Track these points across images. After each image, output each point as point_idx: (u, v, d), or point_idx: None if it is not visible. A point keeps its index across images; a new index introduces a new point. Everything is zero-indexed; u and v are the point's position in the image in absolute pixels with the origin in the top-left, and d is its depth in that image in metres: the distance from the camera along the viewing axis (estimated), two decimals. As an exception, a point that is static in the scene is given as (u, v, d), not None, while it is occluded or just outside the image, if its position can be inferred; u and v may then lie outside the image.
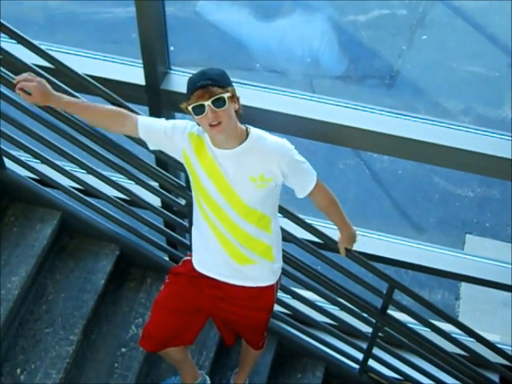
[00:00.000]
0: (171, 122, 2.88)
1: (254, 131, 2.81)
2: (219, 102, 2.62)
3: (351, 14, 8.59)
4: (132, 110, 3.01)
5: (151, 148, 2.95)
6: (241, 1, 8.56)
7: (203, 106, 2.62)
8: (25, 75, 2.81)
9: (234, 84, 3.59)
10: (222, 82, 2.65)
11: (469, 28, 8.52)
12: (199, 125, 2.77)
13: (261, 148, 2.78)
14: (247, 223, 2.88)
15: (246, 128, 2.81)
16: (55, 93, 2.84)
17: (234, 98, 2.69)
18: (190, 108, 2.66)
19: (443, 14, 8.66)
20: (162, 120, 2.90)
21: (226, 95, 2.64)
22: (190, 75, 2.70)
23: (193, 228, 3.08)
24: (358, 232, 3.23)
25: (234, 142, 2.76)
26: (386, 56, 8.26)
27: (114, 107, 2.95)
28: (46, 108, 3.01)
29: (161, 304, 3.23)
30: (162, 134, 2.85)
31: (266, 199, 2.87)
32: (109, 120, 2.91)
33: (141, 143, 3.00)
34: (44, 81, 2.82)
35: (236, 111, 2.72)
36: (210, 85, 2.61)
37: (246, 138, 2.78)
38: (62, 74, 3.11)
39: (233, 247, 2.94)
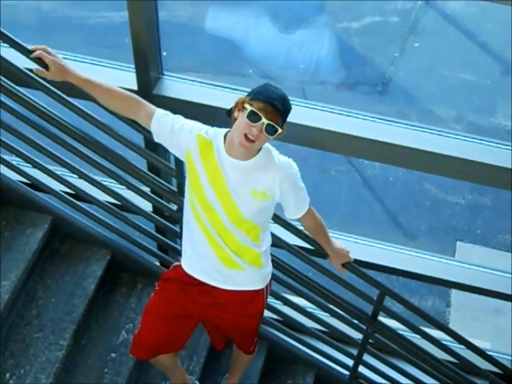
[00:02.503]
0: (181, 121, 2.85)
1: (266, 146, 2.81)
2: (272, 130, 2.63)
3: (344, 20, 8.61)
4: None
5: (155, 140, 2.93)
6: (236, 7, 8.57)
7: (260, 119, 2.61)
8: (42, 47, 2.79)
9: (226, 90, 3.61)
10: (285, 118, 2.68)
11: (461, 36, 8.56)
12: (208, 128, 2.76)
13: (268, 164, 2.79)
14: (238, 231, 2.89)
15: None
16: (72, 68, 2.80)
17: (279, 135, 2.69)
18: (249, 108, 2.62)
19: (435, 22, 8.70)
20: (175, 117, 2.87)
21: (280, 131, 2.65)
22: (270, 84, 2.69)
23: (183, 230, 3.08)
24: (348, 238, 3.23)
25: (247, 156, 2.76)
26: (378, 63, 8.28)
27: (130, 94, 2.90)
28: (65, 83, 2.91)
29: (151, 311, 3.22)
30: (168, 130, 2.84)
31: (262, 213, 2.89)
32: (123, 106, 2.88)
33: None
34: (60, 56, 2.80)
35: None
36: (279, 112, 2.62)
37: (257, 153, 2.79)
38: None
39: (223, 251, 2.94)
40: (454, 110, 7.76)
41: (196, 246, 2.99)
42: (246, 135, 2.63)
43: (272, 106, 2.61)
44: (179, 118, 2.86)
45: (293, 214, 2.97)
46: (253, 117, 2.61)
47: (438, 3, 8.85)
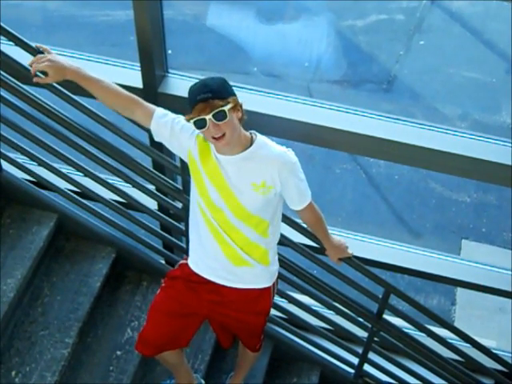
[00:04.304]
0: (181, 122, 2.84)
1: (260, 138, 2.81)
2: (220, 115, 2.60)
3: (349, 18, 8.61)
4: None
5: (156, 139, 2.93)
6: (240, 5, 8.57)
7: (204, 120, 2.60)
8: (35, 58, 2.77)
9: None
10: (223, 93, 2.62)
11: (466, 34, 8.55)
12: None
13: (264, 155, 2.78)
14: (246, 227, 2.89)
15: (251, 135, 2.81)
16: (70, 65, 2.77)
17: (236, 107, 2.66)
18: (191, 122, 2.64)
19: (441, 20, 8.69)
20: (175, 118, 2.85)
21: (227, 107, 2.61)
22: (192, 84, 2.67)
23: (190, 229, 3.07)
24: (354, 236, 3.22)
25: (237, 148, 2.76)
26: (383, 61, 8.28)
27: (129, 94, 2.88)
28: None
29: (157, 308, 3.23)
30: (168, 131, 2.83)
31: (267, 206, 2.87)
32: (120, 105, 2.87)
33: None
34: (54, 55, 2.78)
35: (239, 119, 2.71)
36: (211, 98, 2.59)
37: (251, 145, 2.78)
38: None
39: (231, 249, 2.94)
40: (459, 108, 7.75)
41: (203, 244, 2.99)
42: (213, 138, 2.64)
43: (200, 102, 2.59)
44: (179, 119, 2.85)
45: (295, 205, 2.94)
46: (199, 124, 2.63)
47: (444, 1, 8.84)
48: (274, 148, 2.80)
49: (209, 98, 2.59)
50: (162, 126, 2.84)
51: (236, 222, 2.87)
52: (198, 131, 2.79)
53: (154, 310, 3.24)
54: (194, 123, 2.63)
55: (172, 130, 2.83)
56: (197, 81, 2.68)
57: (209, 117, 2.59)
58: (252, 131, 2.83)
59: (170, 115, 2.87)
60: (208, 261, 3.02)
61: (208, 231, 2.93)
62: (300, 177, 2.86)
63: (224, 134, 2.64)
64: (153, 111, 2.86)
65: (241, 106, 2.71)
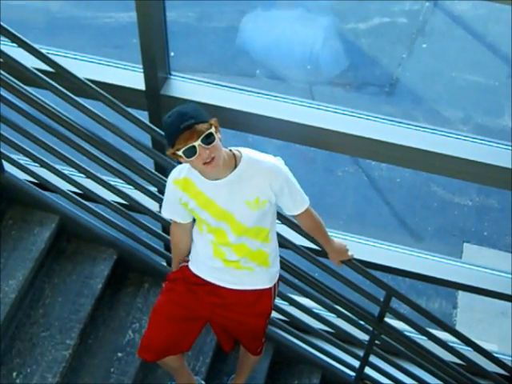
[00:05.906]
0: (165, 194, 2.95)
1: (245, 154, 2.78)
2: (209, 139, 2.58)
3: (352, 21, 8.62)
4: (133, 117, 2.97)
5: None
6: (243, 6, 8.58)
7: (194, 147, 2.57)
8: None
9: (233, 90, 3.61)
10: (203, 116, 2.60)
11: (468, 37, 8.56)
12: (176, 170, 2.81)
13: (253, 172, 2.77)
14: (247, 239, 2.90)
15: (232, 152, 2.79)
16: None
17: (217, 128, 2.65)
18: (180, 153, 2.61)
19: (443, 23, 8.70)
20: (164, 202, 2.99)
21: (213, 129, 2.60)
22: (166, 117, 2.62)
23: (193, 233, 3.08)
24: (355, 239, 3.22)
25: (224, 170, 2.73)
26: (385, 64, 8.28)
27: (179, 242, 3.13)
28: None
29: (158, 312, 3.21)
30: (176, 208, 2.93)
31: (264, 216, 2.88)
32: (185, 243, 3.10)
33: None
34: None
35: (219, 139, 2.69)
36: (195, 123, 2.56)
37: (236, 164, 2.77)
38: (62, 78, 3.12)
39: (232, 262, 2.97)
40: (461, 111, 7.76)
41: (204, 251, 3.01)
42: (204, 164, 2.63)
43: (185, 129, 2.56)
44: (165, 199, 2.97)
45: (291, 211, 2.95)
46: (189, 153, 2.59)
47: (446, 4, 8.85)
48: (262, 162, 2.78)
49: (193, 124, 2.56)
50: (174, 213, 2.98)
51: (235, 238, 2.88)
52: (170, 179, 2.85)
53: (156, 315, 3.22)
54: (184, 152, 2.59)
55: (173, 205, 2.93)
56: (169, 114, 2.62)
57: (198, 143, 2.57)
58: (232, 148, 2.81)
59: (163, 207, 3.01)
60: (209, 264, 3.03)
61: (209, 246, 2.96)
62: (292, 184, 2.85)
63: (214, 157, 2.62)
64: (172, 220, 3.04)
65: (218, 127, 2.68)
